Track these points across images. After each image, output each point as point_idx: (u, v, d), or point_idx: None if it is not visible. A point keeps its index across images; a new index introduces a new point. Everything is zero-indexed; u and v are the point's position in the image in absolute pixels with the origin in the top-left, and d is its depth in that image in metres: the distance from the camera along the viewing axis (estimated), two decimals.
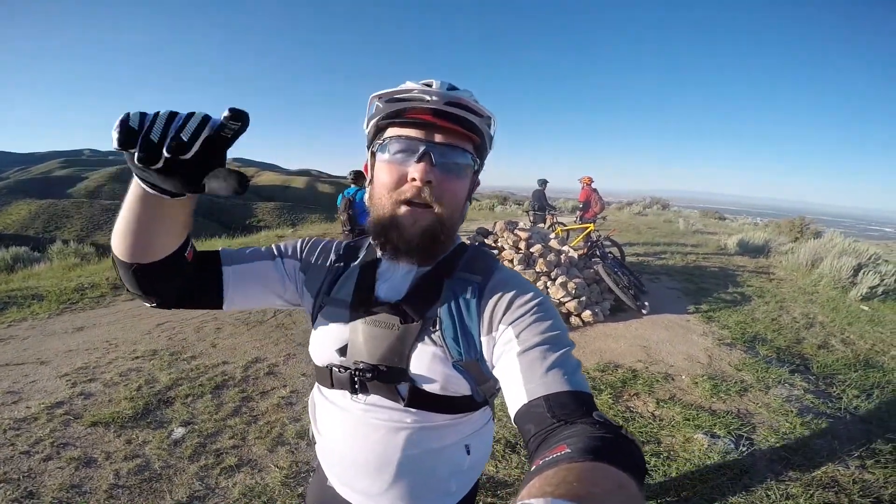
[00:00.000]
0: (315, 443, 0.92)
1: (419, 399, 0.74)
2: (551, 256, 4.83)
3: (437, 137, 0.71)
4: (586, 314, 4.37)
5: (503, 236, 5.32)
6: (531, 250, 4.96)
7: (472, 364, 0.74)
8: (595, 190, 8.35)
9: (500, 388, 0.76)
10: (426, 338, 0.74)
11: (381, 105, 0.74)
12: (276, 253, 0.86)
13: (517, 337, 0.67)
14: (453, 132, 0.71)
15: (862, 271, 6.45)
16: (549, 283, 4.61)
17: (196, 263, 0.76)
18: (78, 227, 27.63)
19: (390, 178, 0.72)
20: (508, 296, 0.73)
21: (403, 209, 0.71)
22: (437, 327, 0.74)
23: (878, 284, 6.13)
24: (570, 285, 4.49)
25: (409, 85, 0.72)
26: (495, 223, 5.60)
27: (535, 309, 0.70)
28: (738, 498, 2.09)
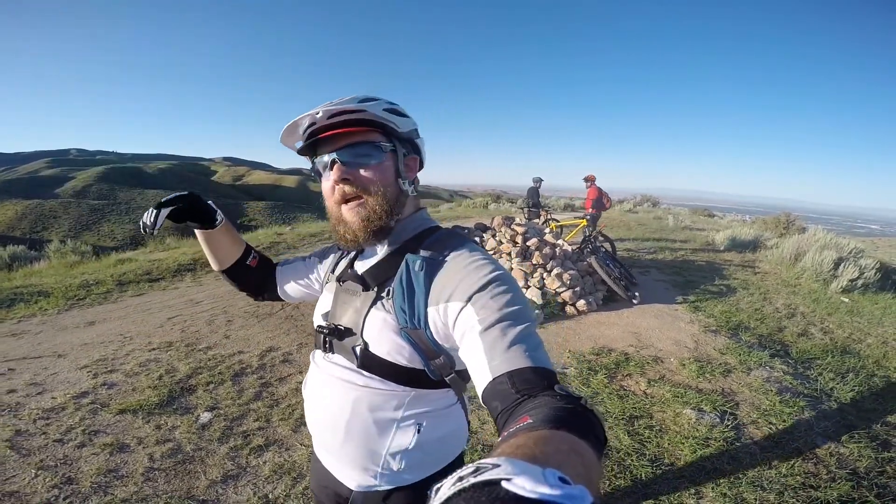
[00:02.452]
0: None
1: (368, 361, 0.83)
2: (546, 250, 5.04)
3: (337, 144, 0.82)
4: (580, 304, 4.59)
5: (501, 231, 5.52)
6: (528, 244, 5.16)
7: (419, 333, 0.79)
8: (599, 187, 8.65)
9: (459, 370, 0.83)
10: (379, 304, 0.84)
11: (295, 142, 0.90)
12: (309, 256, 1.13)
13: (478, 315, 0.69)
14: (350, 133, 0.82)
15: (842, 265, 6.64)
16: (545, 275, 4.82)
17: (262, 267, 1.12)
18: (66, 227, 27.31)
19: (327, 191, 0.87)
20: (463, 271, 0.76)
21: (344, 207, 0.85)
22: (390, 296, 0.83)
23: (858, 277, 6.32)
24: (565, 276, 4.71)
25: (298, 119, 0.83)
26: (493, 219, 5.81)
27: (493, 285, 0.72)
28: (726, 465, 2.28)
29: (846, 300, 5.78)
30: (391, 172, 0.86)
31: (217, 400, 2.82)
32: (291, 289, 1.12)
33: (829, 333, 4.44)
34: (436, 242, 0.86)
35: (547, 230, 5.95)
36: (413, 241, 0.89)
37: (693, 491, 2.11)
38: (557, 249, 5.12)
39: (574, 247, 5.61)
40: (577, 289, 4.68)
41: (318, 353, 0.94)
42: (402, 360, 0.82)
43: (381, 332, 0.82)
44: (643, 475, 2.21)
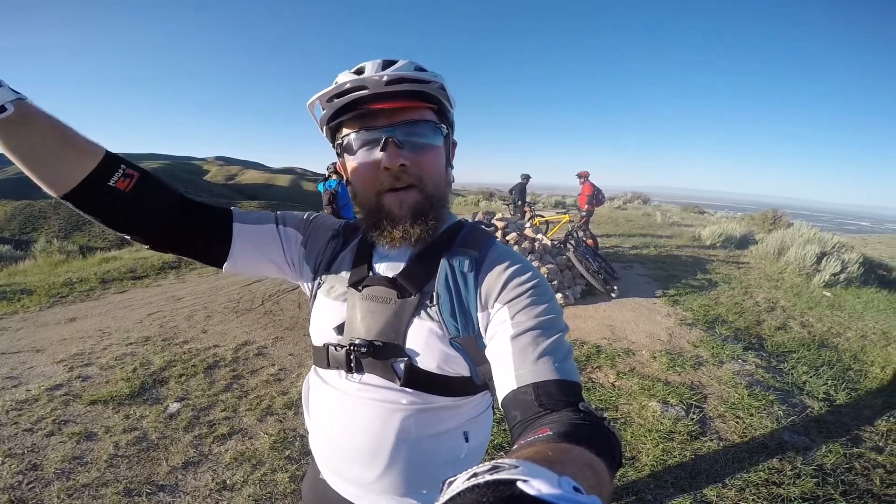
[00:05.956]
0: (309, 434, 0.89)
1: (416, 378, 0.72)
2: (526, 244, 5.09)
3: (394, 119, 0.68)
4: (557, 297, 4.61)
5: None
6: (507, 238, 5.21)
7: (470, 341, 0.71)
8: (593, 183, 8.64)
9: None
10: (423, 313, 0.72)
11: (323, 108, 0.72)
12: (276, 220, 0.84)
13: (511, 318, 0.65)
14: (407, 108, 0.69)
15: (825, 259, 6.70)
16: None
17: (154, 198, 0.70)
18: (56, 227, 27.05)
19: (365, 174, 0.71)
20: (506, 273, 0.70)
21: (387, 197, 0.71)
22: (435, 302, 0.72)
23: (841, 272, 6.39)
24: (543, 270, 4.74)
25: (342, 78, 0.69)
26: (474, 214, 5.85)
27: (531, 291, 0.68)
28: (688, 459, 2.27)
29: (828, 294, 5.83)
30: (443, 159, 0.75)
31: (188, 391, 2.85)
32: (247, 258, 0.80)
33: (808, 327, 4.47)
34: (470, 239, 0.78)
35: (528, 225, 5.99)
36: (445, 236, 0.78)
37: (653, 486, 2.10)
38: (536, 244, 5.17)
39: (555, 242, 5.65)
40: (554, 282, 4.72)
41: (334, 373, 0.79)
42: (451, 372, 0.73)
43: (427, 345, 0.72)
44: None
